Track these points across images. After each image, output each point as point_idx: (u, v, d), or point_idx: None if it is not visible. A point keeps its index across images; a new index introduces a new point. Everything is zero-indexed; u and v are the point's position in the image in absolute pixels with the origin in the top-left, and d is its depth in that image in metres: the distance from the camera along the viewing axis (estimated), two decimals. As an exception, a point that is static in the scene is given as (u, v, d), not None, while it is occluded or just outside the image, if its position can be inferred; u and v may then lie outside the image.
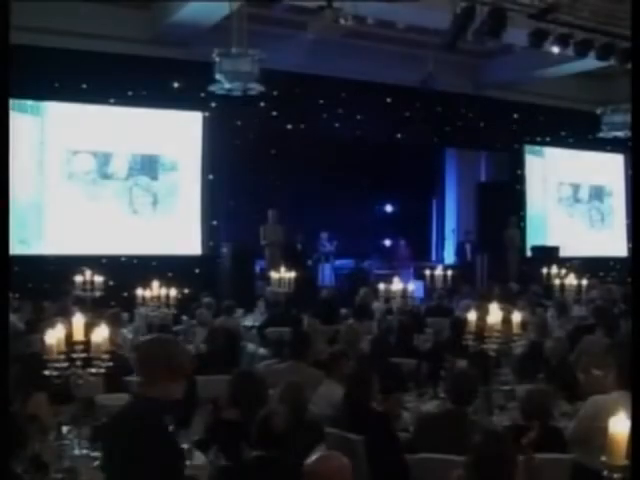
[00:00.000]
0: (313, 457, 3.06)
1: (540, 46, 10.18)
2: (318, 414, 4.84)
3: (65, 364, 4.19)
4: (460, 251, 15.83)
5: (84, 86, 12.22)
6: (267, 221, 13.53)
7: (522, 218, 16.62)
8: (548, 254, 14.90)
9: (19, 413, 4.26)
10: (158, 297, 8.40)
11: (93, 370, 4.29)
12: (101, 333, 4.33)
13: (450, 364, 5.68)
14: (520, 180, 17.01)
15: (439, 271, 11.95)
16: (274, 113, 13.92)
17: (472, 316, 5.58)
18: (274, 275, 12.75)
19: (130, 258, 12.59)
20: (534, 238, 16.73)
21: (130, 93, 12.71)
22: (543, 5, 9.87)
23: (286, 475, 3.62)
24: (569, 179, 17.80)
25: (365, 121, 14.76)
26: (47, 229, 12.34)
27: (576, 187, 17.93)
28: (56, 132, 12.42)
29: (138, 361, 3.20)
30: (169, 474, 2.93)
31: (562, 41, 10.19)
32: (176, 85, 13.01)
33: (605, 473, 2.40)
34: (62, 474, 3.70)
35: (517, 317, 5.70)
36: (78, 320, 4.28)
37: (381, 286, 10.40)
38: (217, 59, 10.04)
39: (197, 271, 13.01)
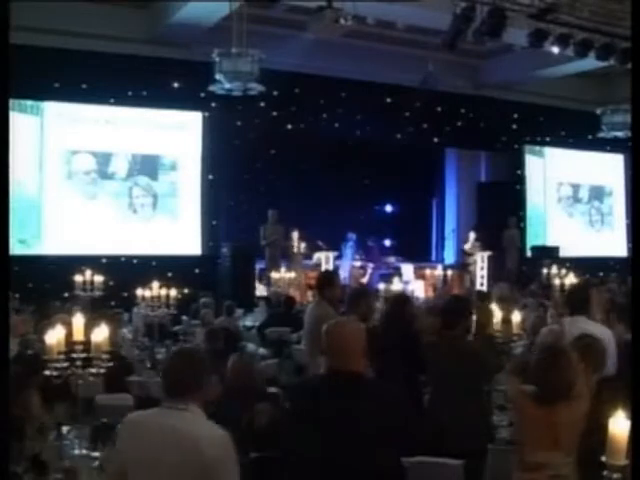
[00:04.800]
0: (332, 321, 3.47)
1: (540, 46, 10.17)
2: None
3: (65, 364, 4.18)
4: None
5: (84, 86, 12.22)
6: (267, 221, 13.54)
7: (522, 218, 16.62)
8: (548, 254, 14.90)
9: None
10: (158, 297, 8.39)
11: (93, 370, 4.28)
12: (101, 333, 4.32)
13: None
14: (520, 180, 17.01)
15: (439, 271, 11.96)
16: (274, 113, 13.92)
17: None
18: (274, 275, 12.79)
19: (130, 258, 12.59)
20: (534, 238, 16.74)
21: (130, 93, 12.71)
22: (543, 5, 9.87)
23: (287, 475, 3.63)
24: (569, 179, 17.81)
25: (365, 121, 14.76)
26: (47, 229, 12.34)
27: (576, 187, 17.93)
28: (56, 132, 12.42)
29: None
30: None
31: (562, 41, 10.19)
32: (176, 85, 13.01)
33: (605, 473, 2.40)
34: (62, 474, 3.70)
35: (517, 317, 5.70)
36: (78, 320, 4.27)
37: (381, 286, 10.41)
38: (217, 59, 10.04)
39: (197, 271, 13.01)
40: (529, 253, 16.23)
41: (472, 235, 15.38)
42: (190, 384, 2.97)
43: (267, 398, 4.91)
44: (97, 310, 7.58)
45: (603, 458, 2.41)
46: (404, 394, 3.41)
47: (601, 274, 14.59)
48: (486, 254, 15.05)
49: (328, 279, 6.49)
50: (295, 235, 13.76)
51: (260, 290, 13.16)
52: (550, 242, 16.62)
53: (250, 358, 5.17)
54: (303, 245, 13.83)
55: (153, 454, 2.87)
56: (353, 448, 3.16)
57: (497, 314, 5.57)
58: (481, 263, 15.07)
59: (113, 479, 3.13)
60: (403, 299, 6.05)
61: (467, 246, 15.26)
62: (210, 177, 13.57)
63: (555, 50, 10.43)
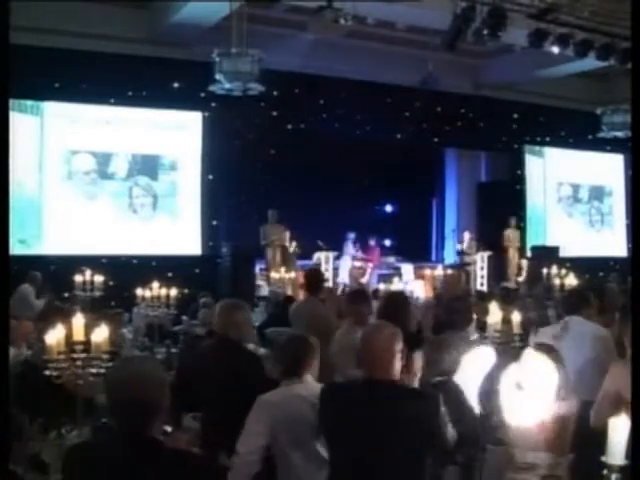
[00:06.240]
0: (368, 328, 3.55)
1: (540, 46, 10.18)
2: None
3: (65, 364, 4.18)
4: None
5: (84, 86, 12.20)
6: (267, 221, 13.54)
7: (522, 218, 16.62)
8: (548, 254, 14.90)
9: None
10: (158, 297, 8.39)
11: (93, 370, 4.27)
12: (101, 333, 4.31)
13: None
14: (520, 180, 17.02)
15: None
16: (274, 113, 13.91)
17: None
18: (274, 275, 12.80)
19: (130, 258, 12.58)
20: (534, 238, 16.74)
21: (130, 93, 12.70)
22: (543, 5, 9.88)
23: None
24: (569, 179, 17.81)
25: (365, 121, 14.75)
26: (47, 229, 12.34)
27: (576, 187, 17.94)
28: (56, 132, 12.42)
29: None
30: None
31: (562, 41, 10.20)
32: (176, 85, 13.01)
33: (605, 473, 2.40)
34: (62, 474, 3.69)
35: (517, 317, 5.69)
36: (78, 320, 4.27)
37: (381, 286, 10.41)
38: (217, 59, 10.04)
39: (197, 271, 12.99)
40: (529, 253, 16.23)
41: (467, 235, 15.39)
42: (308, 362, 3.78)
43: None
44: (97, 310, 7.58)
45: (603, 458, 2.41)
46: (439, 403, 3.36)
47: (601, 274, 14.59)
48: (486, 254, 15.06)
49: (316, 277, 6.46)
50: (287, 235, 13.77)
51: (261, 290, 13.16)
52: (550, 242, 16.61)
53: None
54: (295, 244, 13.85)
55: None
56: (386, 456, 3.17)
57: (497, 314, 5.55)
58: (481, 263, 15.08)
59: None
60: (398, 298, 5.92)
61: (463, 246, 15.27)
62: (210, 177, 13.57)
63: (555, 50, 10.43)
